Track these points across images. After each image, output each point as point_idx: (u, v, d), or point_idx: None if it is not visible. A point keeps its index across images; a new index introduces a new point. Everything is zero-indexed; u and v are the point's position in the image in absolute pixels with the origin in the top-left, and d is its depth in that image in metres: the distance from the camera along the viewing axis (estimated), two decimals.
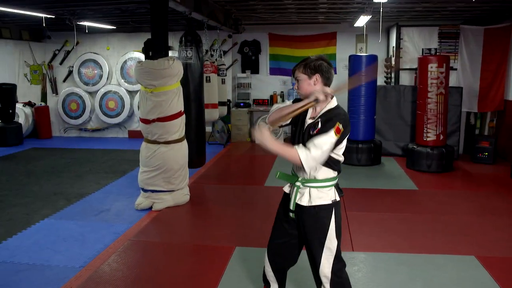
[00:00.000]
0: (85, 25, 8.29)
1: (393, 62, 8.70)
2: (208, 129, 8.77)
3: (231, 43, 9.93)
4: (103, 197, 5.77)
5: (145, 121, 5.11)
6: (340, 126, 2.36)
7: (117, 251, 4.00)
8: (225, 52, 9.61)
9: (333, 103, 2.49)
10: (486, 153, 7.49)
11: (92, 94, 10.17)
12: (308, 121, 2.50)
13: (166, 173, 5.12)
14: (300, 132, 2.53)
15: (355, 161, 7.34)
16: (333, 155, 2.47)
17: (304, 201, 2.51)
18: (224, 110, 8.70)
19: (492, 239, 4.29)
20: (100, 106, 10.04)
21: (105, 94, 10.00)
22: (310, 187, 2.50)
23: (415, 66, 8.46)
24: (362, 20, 7.78)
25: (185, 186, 5.46)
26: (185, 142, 5.37)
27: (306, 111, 2.53)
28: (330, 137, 2.34)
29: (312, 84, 2.47)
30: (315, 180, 2.49)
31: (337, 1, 6.79)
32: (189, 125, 5.66)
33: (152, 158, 5.10)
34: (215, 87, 7.71)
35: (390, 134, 8.06)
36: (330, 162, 2.47)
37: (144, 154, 5.18)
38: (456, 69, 8.20)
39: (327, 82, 2.49)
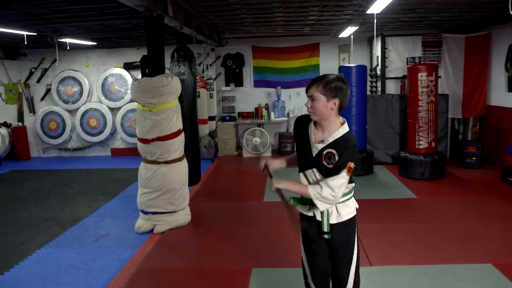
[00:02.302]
0: (66, 42, 8.02)
1: (378, 72, 8.79)
2: None
3: (214, 56, 9.83)
4: (98, 221, 5.53)
5: (143, 140, 4.93)
6: (352, 165, 2.35)
7: (127, 280, 3.80)
8: (208, 66, 9.49)
9: (345, 127, 2.43)
10: (474, 158, 7.63)
11: (72, 112, 9.82)
12: (318, 145, 2.42)
13: (167, 194, 4.95)
14: (310, 157, 2.45)
15: None
16: None
17: (333, 219, 2.49)
18: (213, 125, 8.57)
19: (502, 245, 4.32)
20: (81, 124, 9.71)
21: (86, 112, 9.68)
22: (336, 204, 2.46)
23: (400, 75, 8.60)
24: (348, 31, 7.85)
25: (186, 206, 5.29)
26: (185, 161, 5.22)
27: (307, 130, 2.49)
28: (341, 178, 2.35)
29: (329, 108, 2.36)
30: None
31: (325, 13, 6.81)
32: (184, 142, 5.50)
33: (153, 179, 4.91)
34: (205, 102, 7.57)
35: (380, 143, 8.11)
36: None
37: (144, 175, 4.98)
38: (440, 77, 8.35)
39: (342, 107, 2.40)
